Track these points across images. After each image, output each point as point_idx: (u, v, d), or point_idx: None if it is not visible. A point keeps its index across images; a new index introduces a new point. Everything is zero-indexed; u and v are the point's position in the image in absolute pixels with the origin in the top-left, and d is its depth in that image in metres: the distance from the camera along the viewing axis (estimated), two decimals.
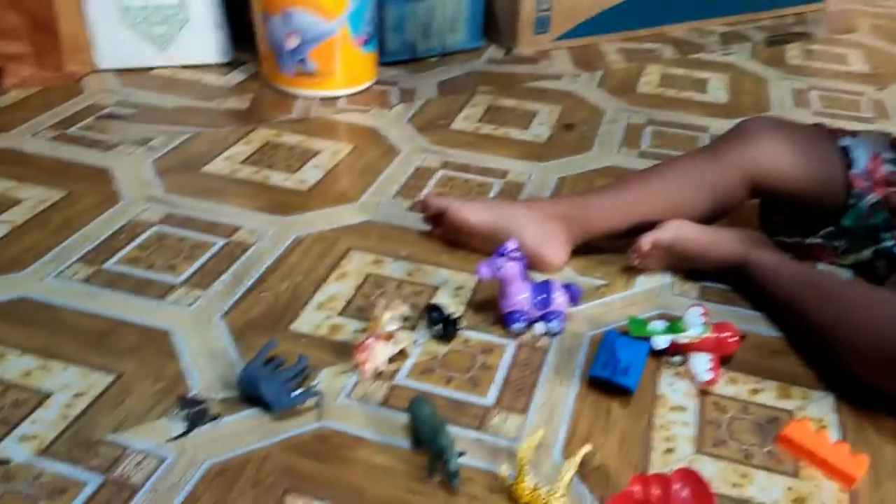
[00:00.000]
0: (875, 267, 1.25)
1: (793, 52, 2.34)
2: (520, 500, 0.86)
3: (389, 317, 1.07)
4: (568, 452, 0.94)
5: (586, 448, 0.92)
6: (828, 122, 1.31)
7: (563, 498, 0.85)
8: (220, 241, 1.31)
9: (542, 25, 2.22)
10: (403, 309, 1.11)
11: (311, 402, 0.99)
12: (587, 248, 1.29)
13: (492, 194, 1.50)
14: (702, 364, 1.06)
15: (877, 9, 2.82)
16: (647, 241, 1.21)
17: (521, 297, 1.12)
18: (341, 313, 1.16)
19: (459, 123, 1.79)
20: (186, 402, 0.99)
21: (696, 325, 1.10)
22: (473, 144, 1.69)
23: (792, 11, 2.69)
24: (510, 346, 1.12)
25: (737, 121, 1.32)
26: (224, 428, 0.96)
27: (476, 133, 1.75)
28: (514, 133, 1.76)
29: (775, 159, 1.24)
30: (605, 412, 1.01)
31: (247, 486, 0.88)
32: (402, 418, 0.97)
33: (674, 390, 1.05)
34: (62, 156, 1.56)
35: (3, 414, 0.96)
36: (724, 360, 1.09)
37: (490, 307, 1.17)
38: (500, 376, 1.06)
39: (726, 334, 1.09)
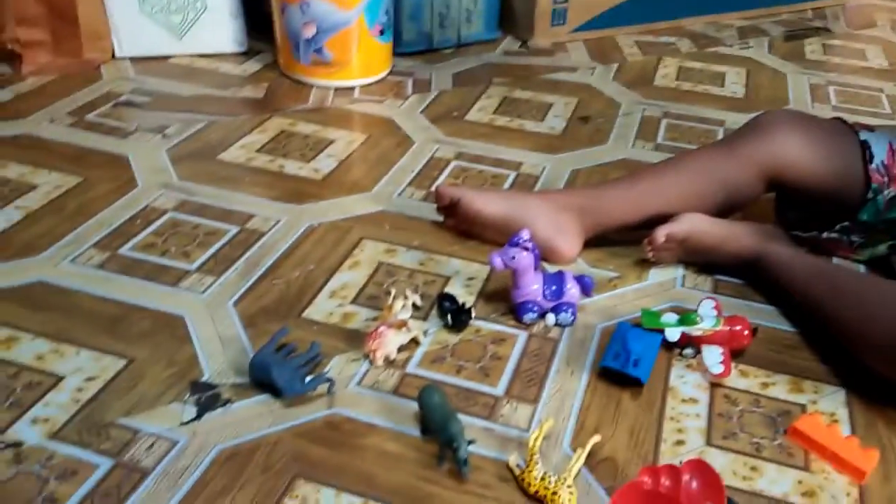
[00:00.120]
0: (891, 261, 1.24)
1: (811, 47, 2.32)
2: (529, 489, 0.87)
3: (401, 305, 1.07)
4: (577, 443, 0.94)
5: (595, 439, 0.92)
6: (846, 117, 1.30)
7: (571, 488, 0.85)
8: (234, 229, 1.32)
9: (558, 17, 2.21)
10: (415, 298, 1.12)
11: (322, 388, 0.99)
12: (600, 241, 1.29)
13: (506, 186, 1.50)
14: (713, 357, 1.06)
15: None
16: (661, 233, 1.21)
17: (533, 287, 1.12)
18: (353, 301, 1.17)
19: (474, 115, 1.79)
20: (198, 387, 1.00)
21: (708, 318, 1.09)
22: (488, 136, 1.69)
23: (811, 6, 2.67)
24: (521, 336, 1.12)
25: (754, 115, 1.31)
26: (235, 413, 0.97)
27: (491, 125, 1.75)
28: (529, 125, 1.75)
29: (793, 153, 1.23)
30: (615, 403, 1.01)
31: (256, 471, 0.89)
32: (413, 406, 0.97)
33: (685, 382, 1.05)
34: (79, 142, 1.57)
35: (16, 396, 0.97)
36: (736, 354, 1.09)
37: (502, 297, 1.17)
38: (510, 366, 1.06)
39: (738, 327, 1.08)
